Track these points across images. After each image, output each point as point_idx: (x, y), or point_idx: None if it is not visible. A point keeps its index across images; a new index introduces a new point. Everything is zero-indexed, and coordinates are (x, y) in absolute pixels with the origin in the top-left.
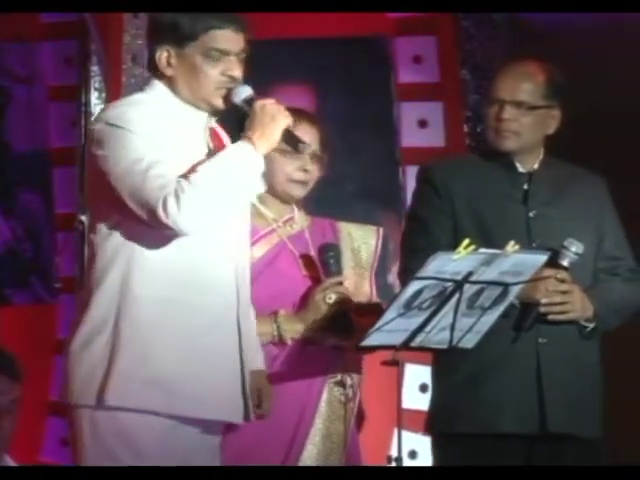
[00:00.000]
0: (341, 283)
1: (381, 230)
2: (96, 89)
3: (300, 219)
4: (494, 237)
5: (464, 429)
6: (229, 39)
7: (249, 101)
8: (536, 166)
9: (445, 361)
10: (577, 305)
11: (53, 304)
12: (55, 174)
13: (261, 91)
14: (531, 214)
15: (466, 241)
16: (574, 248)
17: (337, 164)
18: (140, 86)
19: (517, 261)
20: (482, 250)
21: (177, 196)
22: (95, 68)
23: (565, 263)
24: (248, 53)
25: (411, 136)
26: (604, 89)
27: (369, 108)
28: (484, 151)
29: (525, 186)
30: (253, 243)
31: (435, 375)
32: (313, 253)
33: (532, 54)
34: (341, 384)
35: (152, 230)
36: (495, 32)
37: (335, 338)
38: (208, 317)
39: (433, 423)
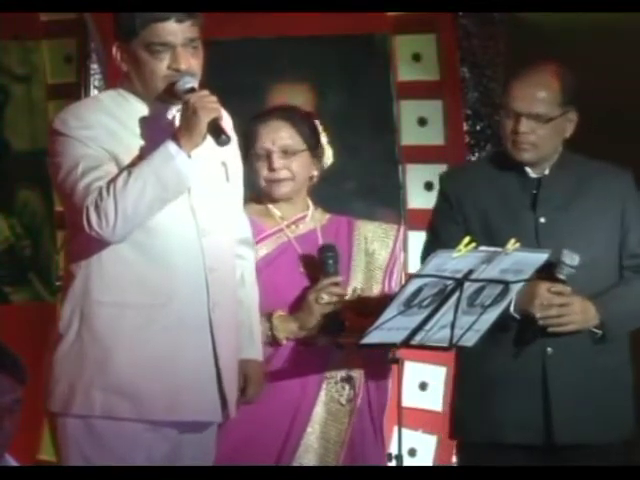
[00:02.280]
0: (337, 284)
1: (402, 229)
2: (96, 87)
3: (314, 218)
4: (502, 242)
5: (470, 438)
6: (170, 31)
7: (187, 94)
8: (547, 171)
9: (461, 368)
10: (577, 316)
11: (52, 302)
12: None
13: (260, 90)
14: (542, 220)
15: (466, 239)
16: (568, 260)
17: (337, 163)
18: None
19: (518, 259)
20: (482, 248)
21: (96, 205)
22: (95, 66)
23: (561, 276)
24: (200, 40)
25: (411, 134)
26: (603, 88)
27: (368, 106)
28: (496, 152)
29: (534, 191)
30: (258, 242)
31: (454, 380)
32: None
33: (533, 53)
34: (342, 384)
35: None
36: (494, 30)
37: (327, 339)
38: (173, 315)
39: (452, 428)
